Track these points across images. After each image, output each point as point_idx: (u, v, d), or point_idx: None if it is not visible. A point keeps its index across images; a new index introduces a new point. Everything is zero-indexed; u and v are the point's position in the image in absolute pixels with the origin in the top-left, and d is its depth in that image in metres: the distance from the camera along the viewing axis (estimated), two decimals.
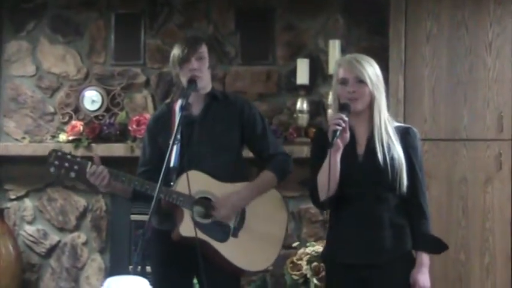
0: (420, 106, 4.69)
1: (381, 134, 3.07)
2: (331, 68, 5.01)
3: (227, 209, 3.41)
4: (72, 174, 3.35)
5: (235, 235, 3.44)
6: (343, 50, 5.06)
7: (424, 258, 3.09)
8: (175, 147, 3.36)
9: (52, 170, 3.35)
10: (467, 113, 4.65)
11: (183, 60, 3.42)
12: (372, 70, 3.08)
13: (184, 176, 3.32)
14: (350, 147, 3.08)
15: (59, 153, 3.36)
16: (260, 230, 3.47)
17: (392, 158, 3.04)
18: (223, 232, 3.42)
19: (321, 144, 3.09)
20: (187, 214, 3.35)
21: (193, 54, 3.41)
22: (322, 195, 3.07)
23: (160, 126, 3.55)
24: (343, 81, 3.09)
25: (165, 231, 3.42)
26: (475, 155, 4.63)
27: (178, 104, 3.53)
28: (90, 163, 3.35)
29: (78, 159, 3.37)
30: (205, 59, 3.46)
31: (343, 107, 3.07)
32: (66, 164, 3.34)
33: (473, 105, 4.65)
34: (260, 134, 3.55)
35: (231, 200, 3.42)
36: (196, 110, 3.49)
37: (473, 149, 4.64)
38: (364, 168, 3.09)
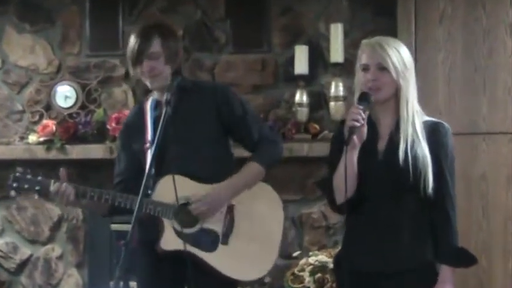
0: (433, 96, 4.71)
1: (406, 128, 3.07)
2: (334, 56, 5.08)
3: (205, 204, 3.40)
4: (35, 196, 3.41)
5: (225, 242, 3.46)
6: (347, 35, 5.10)
7: (448, 273, 3.08)
8: (149, 151, 3.40)
9: (12, 193, 3.40)
10: (487, 102, 4.69)
11: (135, 63, 3.46)
12: (397, 56, 3.07)
13: (162, 182, 3.36)
14: (371, 142, 3.10)
15: (17, 174, 3.39)
16: (253, 233, 3.49)
17: (415, 157, 3.04)
18: (211, 240, 3.44)
19: (342, 140, 3.07)
20: (168, 225, 3.38)
21: (144, 56, 3.44)
22: (339, 197, 3.09)
23: (132, 130, 3.58)
24: (365, 68, 3.10)
25: (151, 241, 3.44)
26: (496, 150, 4.67)
27: (150, 101, 3.57)
28: (52, 181, 3.37)
29: (39, 178, 3.38)
30: (160, 56, 3.46)
31: (362, 97, 3.07)
32: (26, 186, 3.37)
33: (493, 94, 4.69)
34: (238, 117, 3.54)
35: (209, 193, 3.41)
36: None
37: (494, 143, 4.67)
38: (383, 166, 3.10)
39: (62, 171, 3.40)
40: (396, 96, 3.10)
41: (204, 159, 3.49)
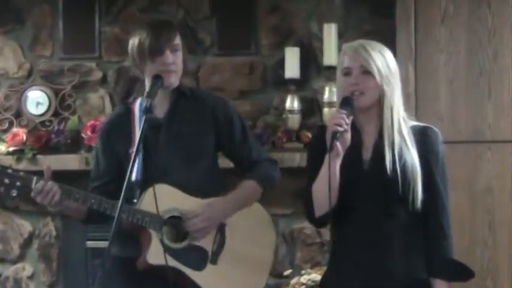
0: (435, 101, 4.72)
1: (392, 136, 3.08)
2: (327, 58, 5.05)
3: (202, 221, 3.39)
4: (14, 192, 3.32)
5: (214, 261, 3.44)
6: (341, 36, 5.07)
7: None
8: (137, 157, 3.35)
9: None
10: (492, 108, 4.70)
11: (156, 52, 3.39)
12: (381, 60, 3.09)
13: (149, 191, 3.32)
14: (354, 151, 3.08)
15: None
16: (244, 255, 3.48)
17: (404, 166, 3.04)
18: (199, 258, 3.42)
19: (321, 146, 3.06)
20: (155, 237, 3.34)
21: (168, 46, 3.41)
22: (318, 210, 3.08)
23: (116, 131, 3.54)
24: (347, 72, 3.10)
25: (128, 259, 3.40)
26: (503, 160, 4.68)
27: (138, 103, 3.53)
28: (35, 178, 3.31)
29: (22, 173, 3.33)
30: (180, 52, 3.46)
31: (345, 102, 3.06)
32: (6, 180, 3.30)
33: (499, 99, 4.70)
34: (239, 137, 3.56)
35: (205, 209, 3.41)
36: (161, 111, 3.46)
37: (500, 153, 4.68)
38: (369, 177, 3.09)
39: (47, 168, 3.35)
40: (380, 102, 3.11)
41: (195, 170, 3.47)
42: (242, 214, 3.49)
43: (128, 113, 3.55)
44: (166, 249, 3.33)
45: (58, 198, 3.30)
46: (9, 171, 3.32)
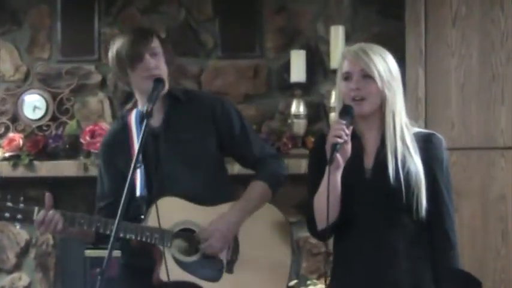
0: (446, 106, 4.71)
1: (395, 143, 3.07)
2: (334, 61, 5.01)
3: (217, 241, 3.38)
4: (16, 225, 3.40)
5: (229, 270, 3.44)
6: (349, 38, 5.08)
7: None
8: (138, 170, 3.38)
9: None
10: (505, 114, 4.69)
11: (135, 59, 3.37)
12: (383, 64, 3.08)
13: (155, 207, 3.32)
14: (356, 160, 3.08)
15: None
16: (259, 259, 3.47)
17: (407, 173, 3.03)
18: (214, 269, 3.41)
19: (322, 156, 3.05)
20: (167, 253, 3.34)
21: (146, 50, 3.38)
22: (321, 223, 3.05)
23: (116, 146, 3.53)
24: (347, 76, 3.09)
25: (140, 268, 3.43)
26: None
27: (134, 114, 3.53)
28: (37, 209, 3.33)
29: (21, 205, 3.34)
30: (160, 55, 3.44)
31: (344, 111, 3.06)
32: (7, 215, 3.33)
33: None
34: (239, 133, 3.54)
35: (219, 227, 3.39)
36: (156, 119, 3.42)
37: None
38: (372, 186, 3.08)
39: (48, 196, 3.35)
40: (381, 108, 3.10)
41: (199, 175, 3.47)
42: (254, 217, 3.48)
43: (124, 125, 3.55)
44: (180, 264, 3.34)
45: (61, 227, 3.33)
46: (9, 204, 3.33)
